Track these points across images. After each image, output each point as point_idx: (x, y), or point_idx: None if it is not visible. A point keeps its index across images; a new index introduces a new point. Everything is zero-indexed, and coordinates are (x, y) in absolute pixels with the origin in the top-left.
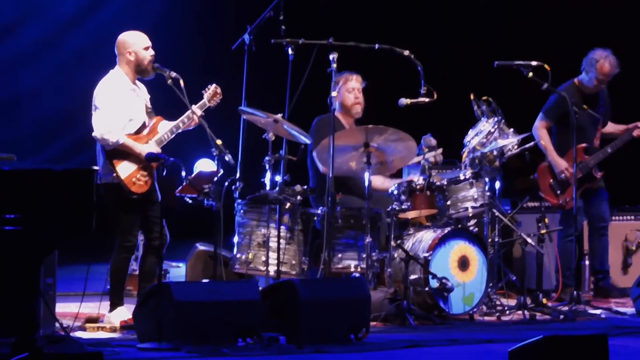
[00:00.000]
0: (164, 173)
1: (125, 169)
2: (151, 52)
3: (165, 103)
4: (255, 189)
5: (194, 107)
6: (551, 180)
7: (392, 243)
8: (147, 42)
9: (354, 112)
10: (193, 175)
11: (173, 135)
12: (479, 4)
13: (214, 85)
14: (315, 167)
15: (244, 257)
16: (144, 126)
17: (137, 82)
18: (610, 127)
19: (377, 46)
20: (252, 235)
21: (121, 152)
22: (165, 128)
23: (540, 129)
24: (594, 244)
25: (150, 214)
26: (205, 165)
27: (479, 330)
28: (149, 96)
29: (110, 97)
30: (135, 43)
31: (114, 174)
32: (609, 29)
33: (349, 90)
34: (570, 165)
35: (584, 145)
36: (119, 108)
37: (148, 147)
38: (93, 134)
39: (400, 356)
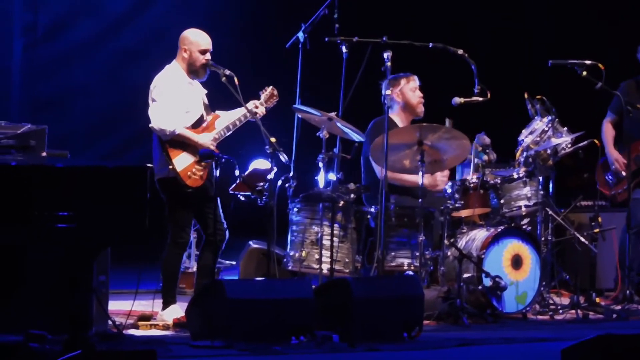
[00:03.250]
0: (218, 171)
1: (181, 162)
2: (207, 56)
3: (220, 100)
4: (308, 187)
5: (255, 102)
6: (606, 173)
7: (446, 241)
8: (206, 45)
9: (419, 110)
10: (247, 172)
11: (229, 133)
12: (534, 2)
13: (270, 87)
14: (368, 165)
15: (297, 255)
16: (201, 120)
17: (193, 77)
18: None
19: (431, 45)
20: (305, 233)
21: (178, 144)
22: (222, 124)
23: (605, 124)
24: None
25: (206, 210)
26: (259, 164)
27: (532, 329)
28: (206, 91)
29: (166, 89)
30: (193, 43)
31: (170, 167)
32: None
33: (413, 90)
34: (624, 157)
35: None
36: (176, 99)
37: (205, 137)
38: (150, 125)
39: (453, 355)
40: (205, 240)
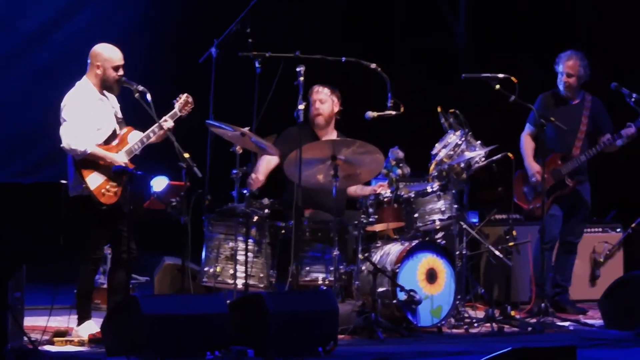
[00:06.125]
0: (131, 186)
1: (94, 180)
2: (120, 72)
3: (135, 115)
4: (223, 202)
5: (165, 116)
6: (524, 186)
7: (360, 256)
8: (119, 60)
9: (315, 123)
10: (160, 188)
11: (143, 146)
12: (445, 16)
13: (185, 94)
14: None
15: (211, 270)
16: (114, 135)
17: (105, 92)
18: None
19: (344, 59)
20: (219, 248)
21: (90, 163)
22: (135, 138)
23: (524, 136)
24: (560, 257)
25: (119, 227)
26: (161, 182)
27: (447, 342)
28: (119, 105)
29: (77, 108)
30: (107, 59)
31: (84, 185)
32: (577, 37)
33: (311, 103)
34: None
35: (560, 153)
36: (86, 118)
37: (118, 156)
38: (61, 145)
39: None
40: (117, 258)
